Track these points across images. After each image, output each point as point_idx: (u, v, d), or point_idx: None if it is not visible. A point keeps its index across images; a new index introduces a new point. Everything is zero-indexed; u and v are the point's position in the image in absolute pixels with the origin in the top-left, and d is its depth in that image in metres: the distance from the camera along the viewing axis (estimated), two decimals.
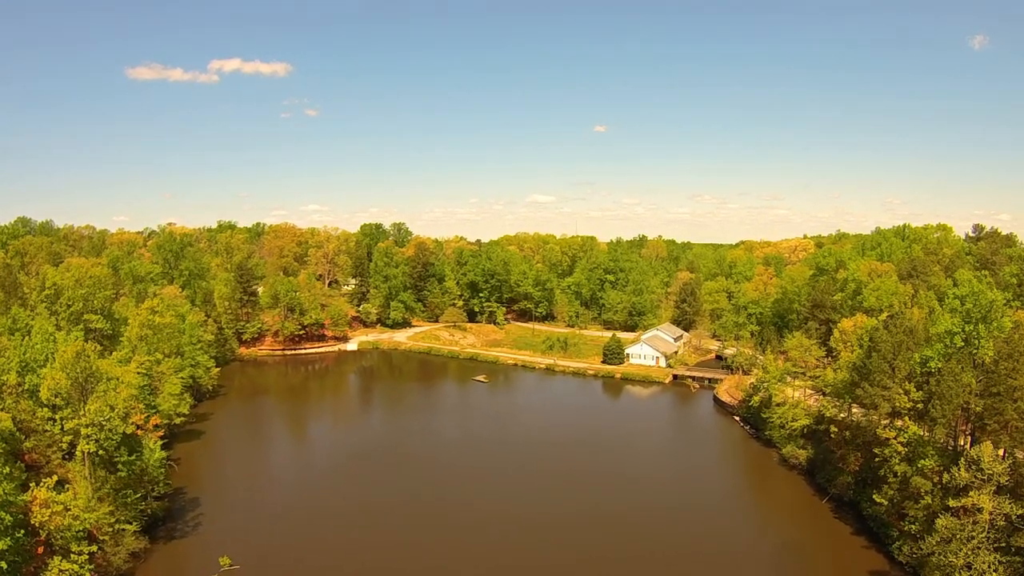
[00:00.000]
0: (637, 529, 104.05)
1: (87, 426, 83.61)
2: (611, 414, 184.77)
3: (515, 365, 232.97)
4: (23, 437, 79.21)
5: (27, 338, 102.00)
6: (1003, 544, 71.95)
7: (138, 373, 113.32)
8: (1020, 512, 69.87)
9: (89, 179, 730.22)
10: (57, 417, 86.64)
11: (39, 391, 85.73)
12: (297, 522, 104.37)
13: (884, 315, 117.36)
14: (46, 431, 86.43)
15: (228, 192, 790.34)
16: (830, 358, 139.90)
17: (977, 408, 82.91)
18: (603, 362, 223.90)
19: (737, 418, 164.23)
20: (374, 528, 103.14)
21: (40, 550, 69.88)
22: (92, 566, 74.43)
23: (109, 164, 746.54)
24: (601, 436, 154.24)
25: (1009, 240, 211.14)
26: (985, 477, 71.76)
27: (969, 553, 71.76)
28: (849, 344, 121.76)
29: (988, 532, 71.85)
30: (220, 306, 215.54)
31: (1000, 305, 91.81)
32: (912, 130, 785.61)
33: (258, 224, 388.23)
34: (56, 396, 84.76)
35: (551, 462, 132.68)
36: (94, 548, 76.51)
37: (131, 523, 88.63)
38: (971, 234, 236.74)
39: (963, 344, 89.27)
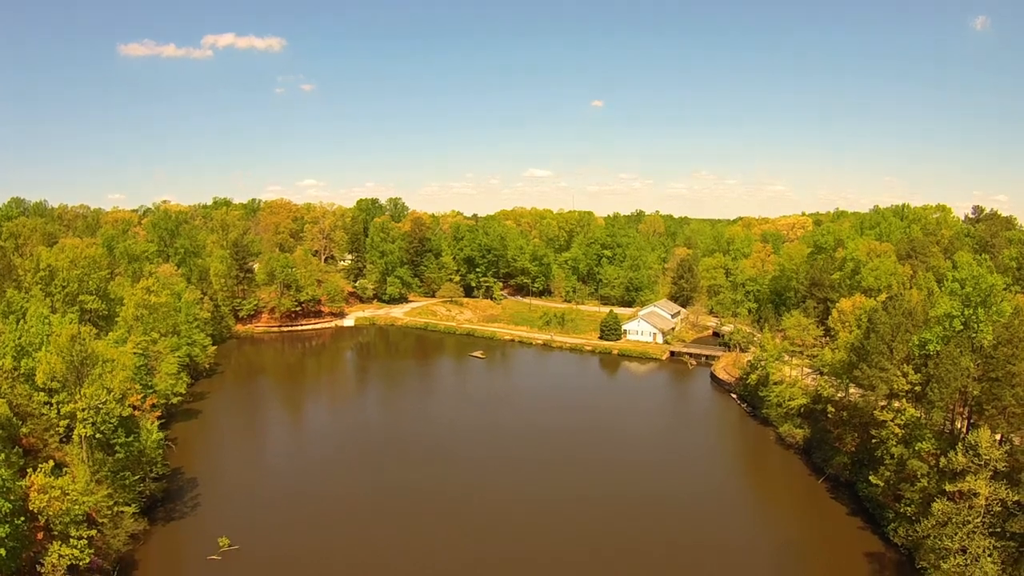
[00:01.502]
0: (633, 509, 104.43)
1: (84, 409, 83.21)
2: (608, 391, 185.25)
3: (512, 341, 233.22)
4: (20, 422, 78.91)
5: (22, 321, 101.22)
6: (998, 529, 72.31)
7: (134, 353, 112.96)
8: (1016, 498, 70.18)
9: (83, 158, 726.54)
10: (53, 401, 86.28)
11: (35, 375, 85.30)
12: (295, 502, 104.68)
13: (883, 296, 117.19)
14: (43, 415, 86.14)
15: (223, 169, 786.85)
16: (828, 337, 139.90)
17: (975, 392, 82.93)
18: (600, 338, 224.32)
19: (734, 396, 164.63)
20: (372, 508, 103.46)
21: (40, 535, 69.82)
22: (92, 550, 74.29)
23: (103, 142, 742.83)
24: (599, 414, 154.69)
25: (1009, 223, 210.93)
26: (982, 462, 71.97)
27: (964, 537, 72.21)
28: (847, 324, 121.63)
29: (983, 517, 72.22)
30: (216, 283, 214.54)
31: (1000, 289, 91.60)
32: (911, 110, 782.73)
33: (253, 200, 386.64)
34: (52, 380, 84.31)
35: (549, 442, 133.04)
36: (93, 532, 76.49)
37: (130, 505, 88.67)
38: (970, 216, 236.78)
39: (962, 328, 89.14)
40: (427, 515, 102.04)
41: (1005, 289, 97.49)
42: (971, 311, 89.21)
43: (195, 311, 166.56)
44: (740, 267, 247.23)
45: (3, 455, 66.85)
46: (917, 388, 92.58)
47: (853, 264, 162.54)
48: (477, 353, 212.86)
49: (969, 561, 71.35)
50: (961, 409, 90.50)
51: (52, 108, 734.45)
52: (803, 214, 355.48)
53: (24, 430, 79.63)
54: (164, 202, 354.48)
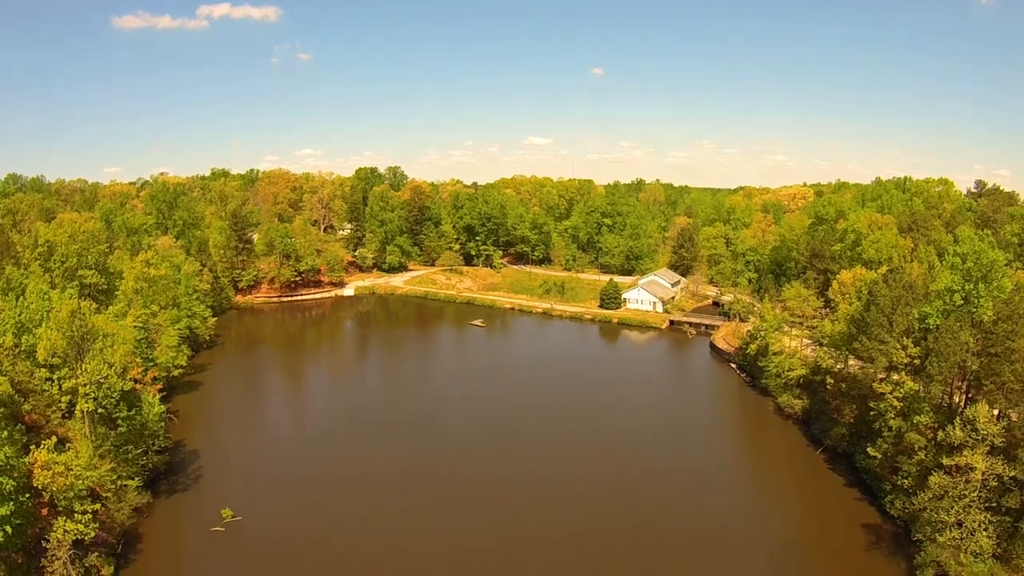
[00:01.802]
0: (633, 479, 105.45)
1: (85, 385, 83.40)
2: (608, 360, 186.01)
3: (512, 309, 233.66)
4: (22, 399, 79.06)
5: (22, 298, 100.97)
6: (994, 504, 72.80)
7: (134, 327, 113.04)
8: (1012, 474, 70.59)
9: (79, 132, 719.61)
10: (55, 377, 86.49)
11: (36, 352, 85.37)
12: (297, 472, 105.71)
13: (883, 268, 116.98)
14: (44, 391, 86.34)
15: (221, 140, 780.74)
16: (828, 309, 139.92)
17: (974, 367, 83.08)
18: (600, 306, 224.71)
19: (733, 366, 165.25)
20: (372, 478, 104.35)
21: (44, 512, 70.43)
22: (96, 524, 74.91)
23: (99, 116, 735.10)
24: (598, 383, 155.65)
25: (1011, 198, 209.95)
26: (979, 437, 72.25)
27: (960, 511, 72.77)
28: (847, 296, 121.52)
29: (980, 491, 72.68)
30: (215, 255, 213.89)
31: (1001, 265, 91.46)
32: (914, 82, 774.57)
33: (252, 171, 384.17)
34: (53, 356, 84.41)
35: (549, 412, 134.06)
36: (97, 506, 76.80)
37: (133, 479, 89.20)
38: (972, 190, 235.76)
39: (962, 303, 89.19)
40: (426, 484, 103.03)
41: (1006, 265, 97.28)
42: (972, 286, 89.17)
43: (194, 283, 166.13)
44: (740, 237, 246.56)
45: (6, 433, 66.98)
46: (916, 361, 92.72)
47: (854, 236, 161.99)
48: (477, 322, 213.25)
49: (965, 535, 72.01)
50: (960, 383, 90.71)
51: (47, 83, 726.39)
52: (804, 185, 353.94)
53: (26, 407, 79.84)
54: (162, 174, 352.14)
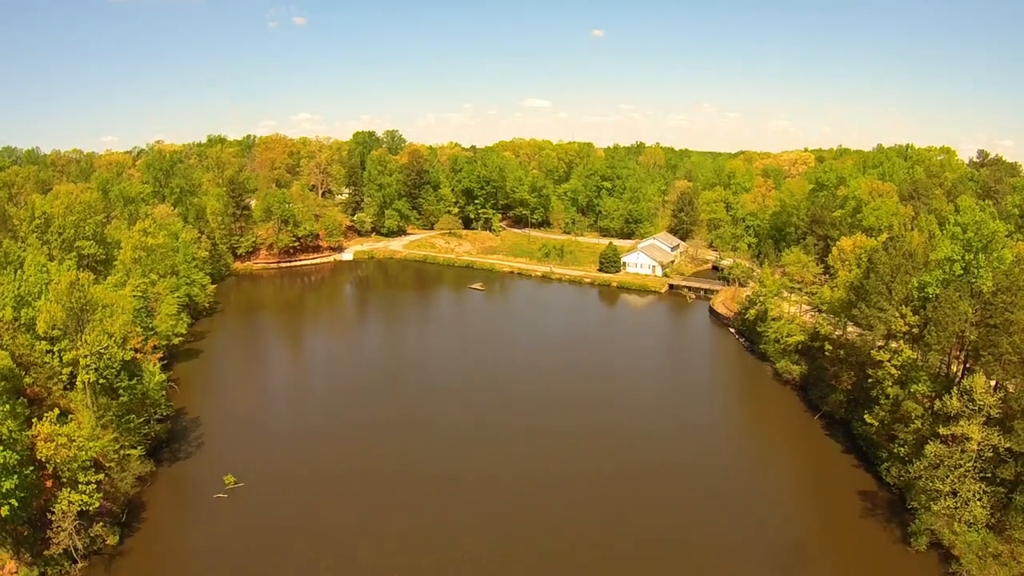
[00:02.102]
0: (631, 442, 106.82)
1: (86, 356, 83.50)
2: (607, 324, 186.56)
3: (511, 273, 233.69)
4: (23, 372, 79.31)
5: (20, 271, 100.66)
6: (989, 475, 73.53)
7: (133, 296, 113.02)
8: (1008, 445, 71.10)
9: (74, 102, 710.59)
10: (55, 349, 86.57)
11: (36, 325, 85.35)
12: (298, 437, 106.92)
13: (883, 236, 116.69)
14: (45, 364, 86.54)
15: (217, 106, 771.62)
16: (827, 275, 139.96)
17: (972, 337, 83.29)
18: (599, 270, 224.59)
19: (732, 330, 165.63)
20: (372, 442, 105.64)
21: (49, 484, 71.04)
22: (100, 494, 75.64)
23: (93, 84, 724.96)
24: (597, 347, 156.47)
25: (1013, 169, 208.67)
26: (976, 408, 72.66)
27: (955, 480, 73.43)
28: (847, 263, 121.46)
29: (975, 462, 73.31)
30: (213, 222, 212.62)
31: (1001, 236, 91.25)
32: (918, 49, 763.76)
33: (248, 137, 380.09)
34: (53, 328, 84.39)
35: (547, 375, 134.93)
36: (101, 476, 77.46)
37: (136, 448, 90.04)
38: (975, 160, 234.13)
39: (962, 272, 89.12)
40: (428, 444, 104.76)
41: (1007, 236, 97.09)
42: (972, 256, 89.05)
43: (193, 251, 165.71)
44: (741, 201, 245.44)
45: (8, 407, 67.33)
46: (915, 330, 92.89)
47: (855, 203, 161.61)
48: (476, 285, 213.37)
49: (959, 504, 72.79)
50: (958, 353, 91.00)
51: (39, 52, 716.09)
52: (805, 150, 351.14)
53: (27, 380, 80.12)
54: (158, 142, 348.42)
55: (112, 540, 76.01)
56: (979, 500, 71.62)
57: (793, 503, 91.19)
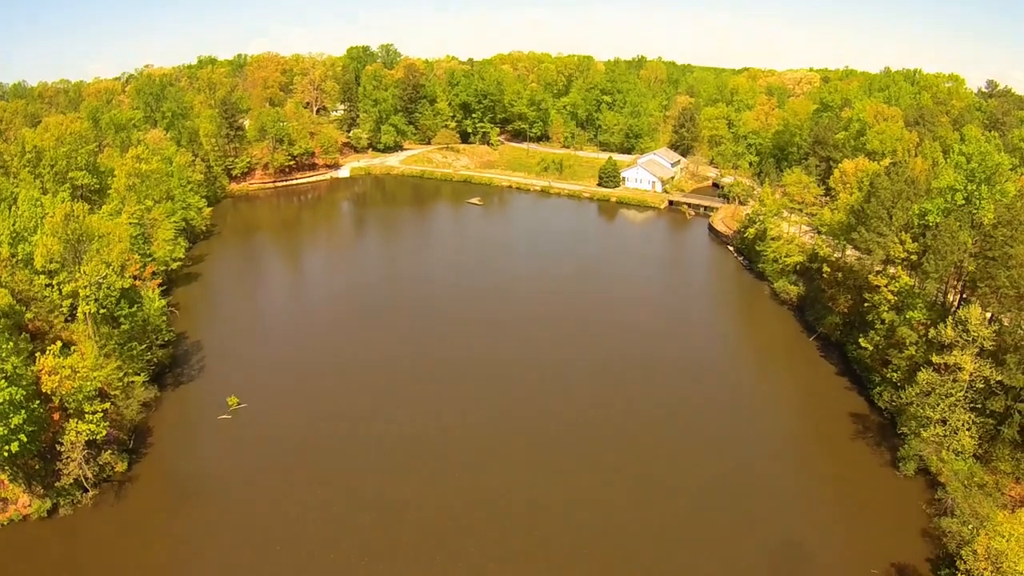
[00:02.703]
0: (629, 358, 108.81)
1: (85, 287, 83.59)
2: (606, 239, 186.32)
3: (509, 187, 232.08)
4: (23, 308, 79.51)
5: (14, 207, 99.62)
6: (979, 406, 74.77)
7: (130, 224, 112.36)
8: (999, 378, 71.96)
9: (58, 31, 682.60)
10: (55, 282, 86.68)
11: (33, 259, 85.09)
12: (299, 356, 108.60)
13: (886, 160, 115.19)
14: (45, 298, 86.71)
15: (206, 26, 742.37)
16: (828, 197, 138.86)
17: (970, 268, 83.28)
18: (599, 185, 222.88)
19: (731, 248, 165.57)
20: (372, 358, 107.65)
21: (56, 416, 72.20)
22: (107, 423, 76.96)
23: (78, 12, 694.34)
24: (596, 263, 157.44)
25: (1022, 102, 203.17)
26: (970, 338, 73.23)
27: (946, 409, 74.69)
28: (848, 186, 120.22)
29: (966, 392, 74.38)
30: (207, 144, 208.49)
31: (1006, 169, 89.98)
32: None
33: (239, 56, 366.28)
34: (51, 262, 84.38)
35: (547, 290, 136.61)
36: (107, 405, 78.75)
37: (139, 375, 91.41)
38: (983, 90, 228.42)
39: (964, 203, 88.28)
40: (427, 358, 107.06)
41: (1011, 170, 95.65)
42: (974, 187, 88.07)
43: (187, 174, 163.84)
44: (743, 119, 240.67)
45: (11, 344, 67.81)
46: (913, 257, 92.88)
47: (859, 125, 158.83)
48: (474, 200, 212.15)
49: (948, 433, 74.27)
50: (955, 283, 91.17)
51: None
52: (811, 70, 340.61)
53: (28, 315, 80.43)
54: (147, 67, 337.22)
55: (121, 467, 77.99)
56: (968, 430, 72.98)
57: (785, 421, 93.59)
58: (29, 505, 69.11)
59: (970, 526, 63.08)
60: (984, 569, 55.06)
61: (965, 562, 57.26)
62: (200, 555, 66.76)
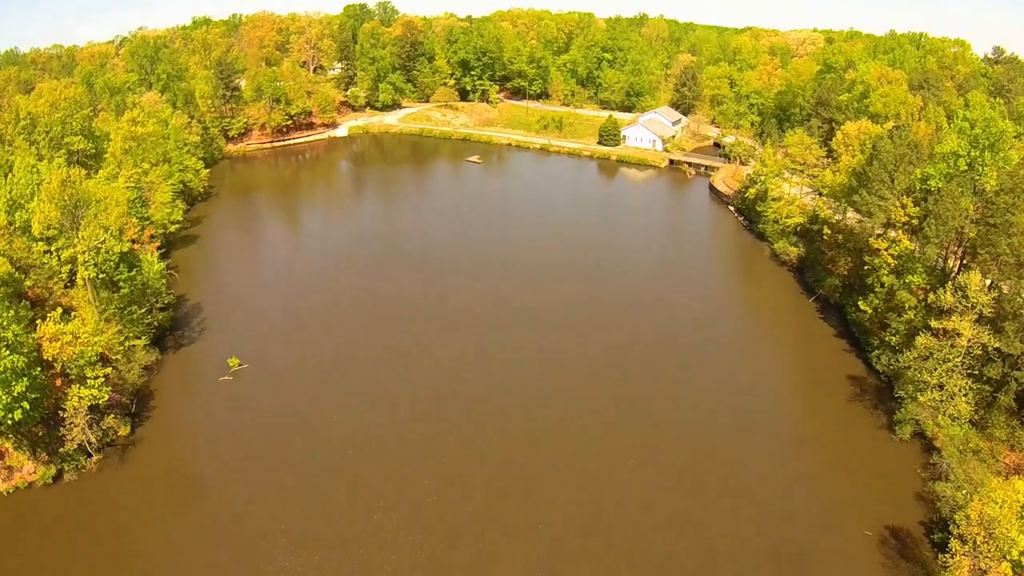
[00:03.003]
0: (627, 312, 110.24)
1: (84, 252, 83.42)
2: (606, 198, 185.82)
3: (509, 145, 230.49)
4: (23, 276, 79.29)
5: (10, 175, 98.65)
6: (976, 372, 75.06)
7: (127, 187, 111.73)
8: (997, 345, 72.14)
9: None
10: (53, 249, 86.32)
11: (31, 226, 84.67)
12: (299, 316, 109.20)
13: (890, 124, 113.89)
14: (44, 264, 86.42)
15: None
16: (830, 159, 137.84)
17: (971, 234, 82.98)
18: (599, 143, 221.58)
19: (731, 208, 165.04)
20: (371, 318, 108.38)
21: (58, 383, 72.42)
22: (109, 387, 77.42)
23: None
24: (596, 221, 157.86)
25: None
26: (969, 304, 73.29)
27: (943, 374, 74.95)
28: (851, 148, 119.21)
29: (964, 358, 74.66)
30: (203, 105, 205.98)
31: (1009, 136, 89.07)
32: None
33: (235, 16, 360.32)
34: (49, 228, 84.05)
35: (546, 249, 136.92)
36: (108, 370, 79.07)
37: (140, 338, 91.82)
38: (989, 56, 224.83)
39: (966, 169, 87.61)
40: (426, 316, 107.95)
41: (1015, 137, 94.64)
42: (977, 153, 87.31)
43: (184, 136, 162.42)
44: (745, 79, 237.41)
45: (12, 312, 67.81)
46: (914, 222, 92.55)
47: (863, 88, 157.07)
48: (474, 158, 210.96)
49: (945, 398, 74.60)
50: (955, 249, 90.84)
51: None
52: (815, 30, 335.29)
53: (28, 283, 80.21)
54: (141, 29, 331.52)
55: (124, 431, 78.64)
56: (965, 396, 73.33)
57: (782, 380, 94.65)
58: (34, 472, 69.81)
59: (964, 491, 63.94)
60: (977, 534, 55.95)
61: (958, 527, 58.14)
62: (205, 514, 67.81)
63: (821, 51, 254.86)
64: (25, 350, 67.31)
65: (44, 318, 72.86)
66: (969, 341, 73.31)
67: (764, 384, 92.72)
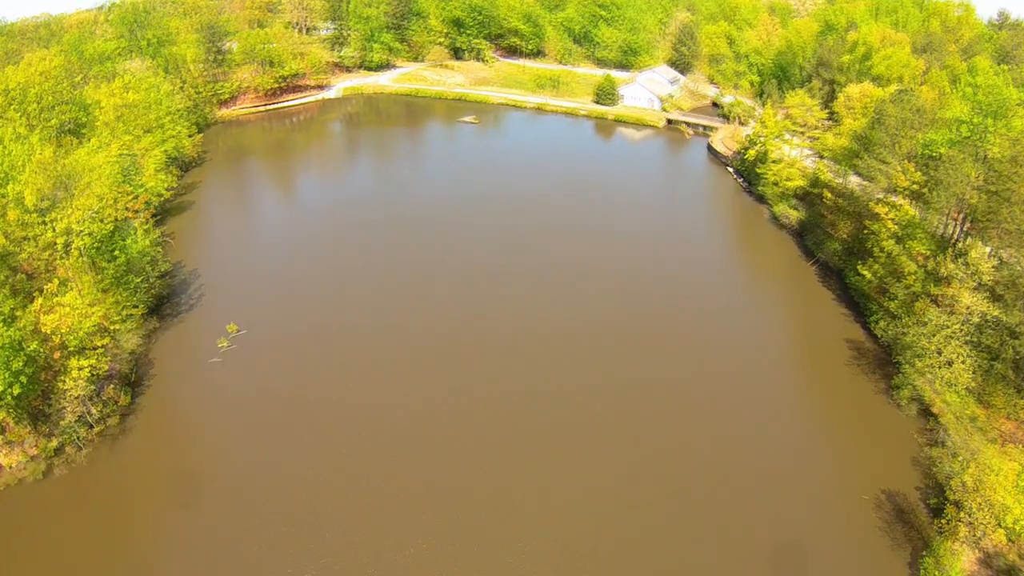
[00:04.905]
0: (625, 282, 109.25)
1: (78, 222, 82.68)
2: (603, 158, 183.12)
3: (504, 105, 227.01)
4: (17, 249, 78.58)
5: (1, 146, 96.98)
6: (975, 340, 75.23)
7: (119, 155, 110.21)
8: (996, 313, 72.20)
9: None
10: (47, 220, 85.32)
11: (24, 199, 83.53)
12: (296, 279, 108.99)
13: (892, 87, 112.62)
14: (39, 236, 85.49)
15: None
16: (831, 121, 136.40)
17: (973, 202, 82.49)
18: (595, 102, 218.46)
19: (730, 169, 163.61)
20: (369, 280, 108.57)
21: (57, 355, 72.12)
22: (108, 357, 77.53)
23: None
24: (593, 182, 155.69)
25: None
26: (969, 272, 73.29)
27: (942, 341, 75.11)
28: (853, 111, 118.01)
29: (963, 325, 74.79)
30: (193, 70, 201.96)
31: (1014, 104, 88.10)
32: None
33: None
34: (42, 200, 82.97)
35: (542, 211, 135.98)
36: (107, 340, 79.17)
37: (138, 307, 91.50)
38: (994, 21, 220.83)
39: (970, 135, 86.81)
40: (424, 280, 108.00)
41: (1020, 105, 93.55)
42: (981, 120, 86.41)
43: (174, 102, 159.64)
44: (744, 38, 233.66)
45: (8, 287, 67.28)
46: (916, 187, 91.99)
47: (864, 49, 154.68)
48: (468, 118, 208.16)
49: (943, 364, 74.98)
50: (957, 216, 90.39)
51: None
52: None
53: (23, 256, 79.54)
54: None
55: (124, 400, 78.66)
56: (963, 363, 73.67)
57: (781, 343, 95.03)
58: (35, 445, 69.86)
59: (960, 457, 64.52)
60: (972, 500, 56.65)
61: (954, 492, 58.88)
62: (207, 480, 68.40)
63: (822, 10, 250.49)
64: (23, 323, 66.94)
65: (41, 291, 72.43)
66: (968, 309, 73.41)
67: (762, 347, 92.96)
